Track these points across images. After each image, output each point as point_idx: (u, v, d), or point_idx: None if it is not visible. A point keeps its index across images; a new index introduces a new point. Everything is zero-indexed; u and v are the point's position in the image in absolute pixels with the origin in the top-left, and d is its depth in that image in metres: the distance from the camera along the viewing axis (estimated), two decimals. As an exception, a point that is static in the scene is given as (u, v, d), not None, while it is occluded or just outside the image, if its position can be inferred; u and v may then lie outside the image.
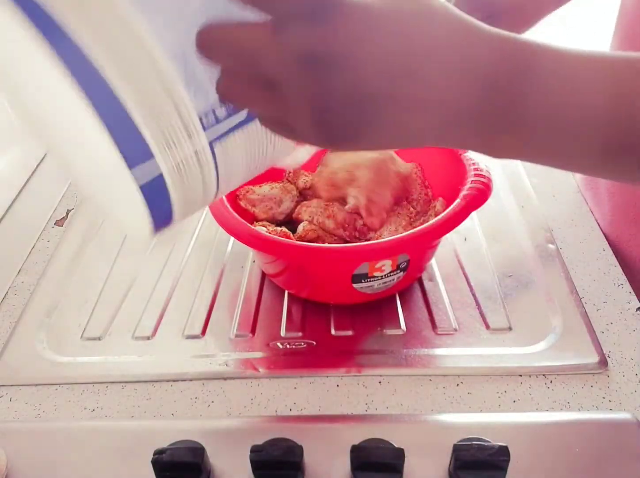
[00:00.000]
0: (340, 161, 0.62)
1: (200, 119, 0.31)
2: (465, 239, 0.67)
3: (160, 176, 0.31)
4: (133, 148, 0.29)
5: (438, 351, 0.55)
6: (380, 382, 0.53)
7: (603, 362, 0.53)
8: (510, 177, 0.77)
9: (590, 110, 0.29)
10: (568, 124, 0.30)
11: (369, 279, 0.55)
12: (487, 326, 0.57)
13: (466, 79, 0.28)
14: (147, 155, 0.30)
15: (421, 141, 0.31)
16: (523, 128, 0.30)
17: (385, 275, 0.55)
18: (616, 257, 0.64)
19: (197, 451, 0.43)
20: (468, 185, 0.56)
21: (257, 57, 0.28)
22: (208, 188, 0.34)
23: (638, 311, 0.58)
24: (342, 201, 0.62)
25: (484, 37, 0.29)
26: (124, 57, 0.28)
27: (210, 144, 0.32)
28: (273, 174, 0.69)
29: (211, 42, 0.29)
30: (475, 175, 0.57)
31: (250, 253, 0.67)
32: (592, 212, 0.71)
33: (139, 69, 0.29)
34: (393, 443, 0.43)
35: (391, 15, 0.27)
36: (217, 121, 0.32)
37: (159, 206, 0.32)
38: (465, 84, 0.28)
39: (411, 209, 0.64)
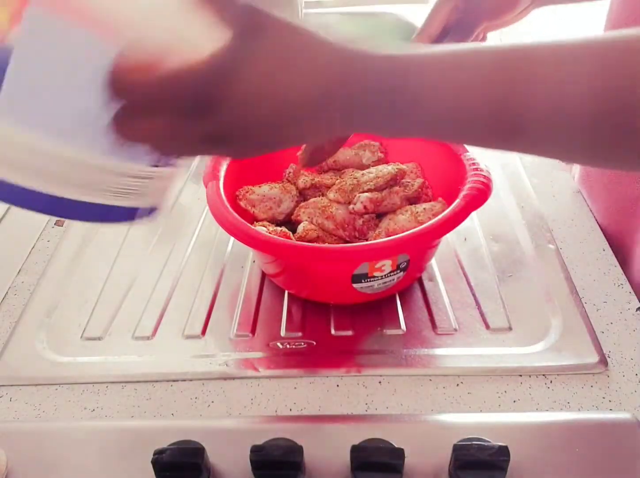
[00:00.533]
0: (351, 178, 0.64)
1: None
2: (465, 239, 0.67)
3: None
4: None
5: (438, 351, 0.55)
6: (380, 382, 0.53)
7: (603, 362, 0.53)
8: (510, 177, 0.77)
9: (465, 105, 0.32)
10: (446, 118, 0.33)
11: (369, 279, 0.55)
12: (487, 326, 0.57)
13: (323, 97, 0.32)
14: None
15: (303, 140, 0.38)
16: (402, 116, 0.33)
17: (385, 275, 0.55)
18: (613, 252, 0.64)
19: (197, 451, 0.43)
20: (468, 185, 0.56)
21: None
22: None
23: (638, 311, 0.58)
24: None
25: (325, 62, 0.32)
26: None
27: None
28: (273, 174, 0.69)
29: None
30: (475, 175, 0.57)
31: (250, 253, 0.67)
32: (589, 208, 0.71)
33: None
34: (393, 443, 0.43)
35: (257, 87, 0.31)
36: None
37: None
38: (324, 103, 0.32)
39: (406, 190, 0.63)
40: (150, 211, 0.36)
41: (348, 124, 0.34)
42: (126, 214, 0.35)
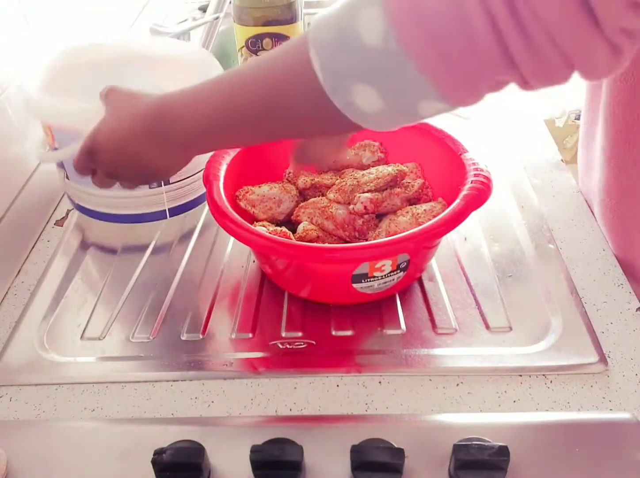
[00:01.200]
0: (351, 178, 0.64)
1: None
2: (465, 239, 0.67)
3: None
4: None
5: (438, 351, 0.55)
6: (380, 382, 0.53)
7: (603, 362, 0.53)
8: (510, 177, 0.77)
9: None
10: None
11: (369, 279, 0.55)
12: (487, 326, 0.57)
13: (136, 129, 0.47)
14: None
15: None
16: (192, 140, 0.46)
17: (385, 275, 0.55)
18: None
19: (197, 451, 0.43)
20: (468, 185, 0.56)
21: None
22: None
23: (638, 311, 0.58)
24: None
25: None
26: None
27: None
28: (273, 175, 0.69)
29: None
30: (475, 175, 0.57)
31: (250, 253, 0.67)
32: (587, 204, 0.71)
33: None
34: (393, 443, 0.43)
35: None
36: None
37: None
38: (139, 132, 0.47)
39: (406, 191, 0.64)
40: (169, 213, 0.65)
41: (176, 147, 0.47)
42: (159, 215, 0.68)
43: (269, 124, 0.42)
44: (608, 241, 0.67)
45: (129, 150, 0.47)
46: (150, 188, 0.68)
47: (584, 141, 0.71)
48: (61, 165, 0.69)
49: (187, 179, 0.70)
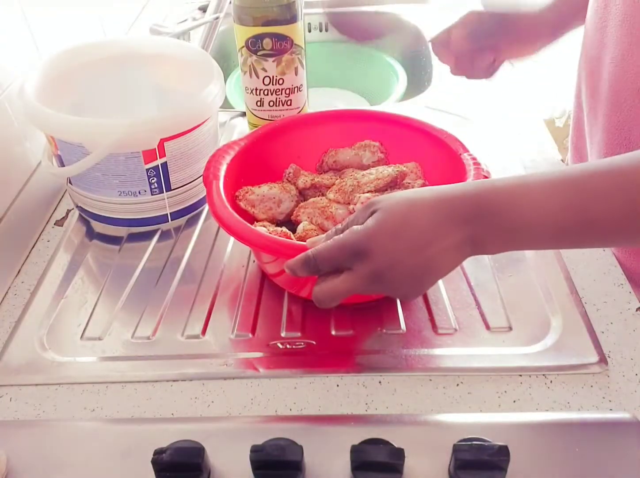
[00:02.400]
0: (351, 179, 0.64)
1: None
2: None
3: None
4: None
5: (438, 351, 0.55)
6: (380, 382, 0.53)
7: (603, 362, 0.53)
8: (510, 177, 0.77)
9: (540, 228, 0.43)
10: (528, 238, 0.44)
11: (369, 279, 0.55)
12: (487, 326, 0.57)
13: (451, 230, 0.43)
14: None
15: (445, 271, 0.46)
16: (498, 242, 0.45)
17: (385, 275, 0.55)
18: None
19: (197, 451, 0.43)
20: (468, 185, 0.56)
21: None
22: None
23: (638, 311, 0.58)
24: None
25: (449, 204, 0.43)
26: None
27: None
28: (273, 175, 0.69)
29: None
30: (475, 175, 0.57)
31: (251, 253, 0.67)
32: None
33: None
34: (393, 443, 0.43)
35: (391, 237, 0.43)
36: None
37: None
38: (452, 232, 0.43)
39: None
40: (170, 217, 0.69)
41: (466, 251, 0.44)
42: (161, 219, 0.70)
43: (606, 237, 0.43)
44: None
45: (428, 249, 0.43)
46: (152, 194, 0.68)
47: (576, 131, 0.72)
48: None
49: (189, 184, 0.70)
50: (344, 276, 0.45)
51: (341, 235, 0.45)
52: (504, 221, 0.42)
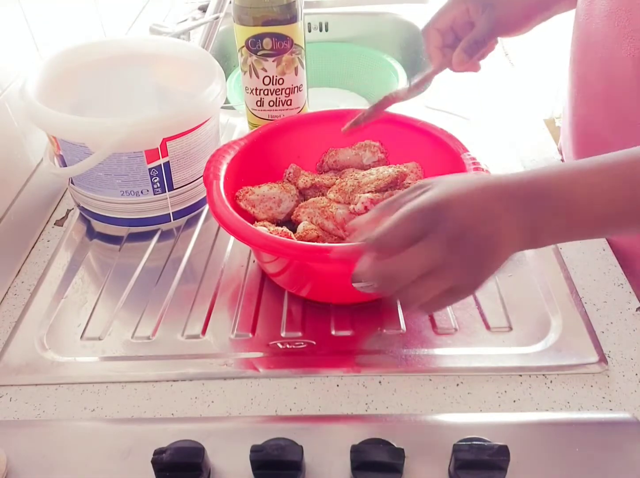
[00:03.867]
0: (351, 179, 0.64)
1: None
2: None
3: None
4: None
5: (438, 351, 0.55)
6: (380, 382, 0.53)
7: (603, 362, 0.53)
8: (510, 177, 0.77)
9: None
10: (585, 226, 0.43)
11: (369, 279, 0.55)
12: (487, 326, 0.57)
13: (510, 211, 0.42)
14: None
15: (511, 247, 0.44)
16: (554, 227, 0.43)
17: (385, 275, 0.55)
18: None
19: (197, 451, 0.43)
20: (468, 185, 0.56)
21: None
22: None
23: (638, 311, 0.58)
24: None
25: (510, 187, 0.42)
26: None
27: None
28: (273, 174, 0.69)
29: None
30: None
31: (251, 252, 0.67)
32: None
33: None
34: (393, 443, 0.43)
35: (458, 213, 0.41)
36: None
37: None
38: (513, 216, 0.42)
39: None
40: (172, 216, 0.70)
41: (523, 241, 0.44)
42: (163, 219, 0.70)
43: None
44: None
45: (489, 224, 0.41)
46: (154, 194, 0.68)
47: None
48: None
49: (191, 184, 0.71)
50: (418, 246, 0.40)
51: (405, 207, 0.42)
52: (560, 206, 0.41)
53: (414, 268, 0.41)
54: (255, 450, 0.43)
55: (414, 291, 0.42)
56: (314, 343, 0.57)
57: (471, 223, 0.40)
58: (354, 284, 0.56)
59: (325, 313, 0.59)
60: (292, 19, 0.75)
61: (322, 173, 0.71)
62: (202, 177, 0.62)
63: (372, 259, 0.43)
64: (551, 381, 0.52)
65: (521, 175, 0.43)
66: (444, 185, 0.42)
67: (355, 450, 0.43)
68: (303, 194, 0.68)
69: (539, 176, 0.43)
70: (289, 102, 0.81)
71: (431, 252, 0.40)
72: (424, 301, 0.43)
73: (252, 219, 0.63)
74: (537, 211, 0.41)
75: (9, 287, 0.65)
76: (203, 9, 1.24)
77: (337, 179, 0.67)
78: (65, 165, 0.67)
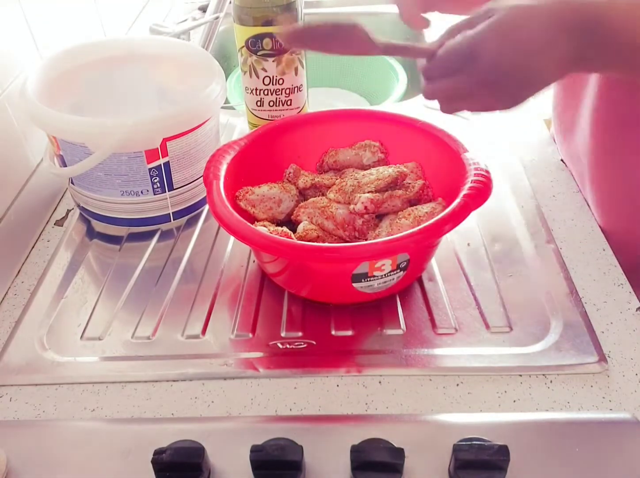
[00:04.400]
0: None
1: None
2: (468, 244, 0.67)
3: None
4: None
5: (438, 351, 0.55)
6: (380, 382, 0.53)
7: (603, 362, 0.53)
8: (510, 177, 0.77)
9: None
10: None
11: (369, 279, 0.55)
12: (487, 326, 0.57)
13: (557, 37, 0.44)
14: None
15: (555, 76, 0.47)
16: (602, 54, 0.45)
17: (385, 275, 0.55)
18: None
19: (197, 451, 0.43)
20: (468, 185, 0.56)
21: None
22: None
23: (638, 311, 0.58)
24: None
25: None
26: None
27: None
28: (273, 174, 0.69)
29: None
30: (476, 175, 0.57)
31: (251, 252, 0.67)
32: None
33: None
34: (393, 443, 0.43)
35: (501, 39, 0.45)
36: None
37: None
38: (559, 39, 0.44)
39: (407, 192, 0.63)
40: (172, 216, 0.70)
41: (568, 63, 0.45)
42: (163, 219, 0.70)
43: None
44: (594, 213, 0.69)
45: (531, 57, 0.44)
46: (154, 194, 0.68)
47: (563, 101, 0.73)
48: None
49: (191, 184, 0.71)
50: (454, 77, 0.47)
51: (452, 40, 0.47)
52: (608, 31, 0.43)
53: (449, 94, 0.49)
54: (255, 450, 0.43)
55: (454, 106, 0.50)
56: (314, 343, 0.57)
57: (507, 57, 0.45)
58: (354, 285, 0.56)
59: (325, 313, 0.59)
60: (292, 19, 0.75)
61: (322, 173, 0.71)
62: (202, 177, 0.62)
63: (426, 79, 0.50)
64: (551, 381, 0.52)
65: (574, 2, 0.44)
66: (499, 16, 0.45)
67: (355, 450, 0.43)
68: (303, 194, 0.68)
69: (587, 3, 0.44)
70: (289, 102, 0.81)
71: (461, 83, 0.47)
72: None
73: (252, 219, 0.63)
74: (587, 39, 0.43)
75: (9, 287, 0.65)
76: (203, 9, 1.24)
77: (337, 179, 0.67)
78: (65, 165, 0.67)
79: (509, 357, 0.54)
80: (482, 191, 0.55)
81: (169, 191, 0.69)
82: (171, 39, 0.87)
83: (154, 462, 0.42)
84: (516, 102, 0.48)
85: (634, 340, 0.55)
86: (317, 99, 1.18)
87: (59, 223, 0.75)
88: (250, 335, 0.58)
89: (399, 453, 0.42)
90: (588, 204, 0.71)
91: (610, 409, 0.50)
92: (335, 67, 1.25)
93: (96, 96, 0.76)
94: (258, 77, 0.79)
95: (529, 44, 0.44)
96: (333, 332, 0.58)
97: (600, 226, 0.68)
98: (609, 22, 0.43)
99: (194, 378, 0.54)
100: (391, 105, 0.97)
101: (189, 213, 0.73)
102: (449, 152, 0.62)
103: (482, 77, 0.46)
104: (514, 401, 0.51)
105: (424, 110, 0.91)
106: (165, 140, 0.64)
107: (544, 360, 0.54)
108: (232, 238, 0.69)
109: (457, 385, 0.52)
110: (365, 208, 0.60)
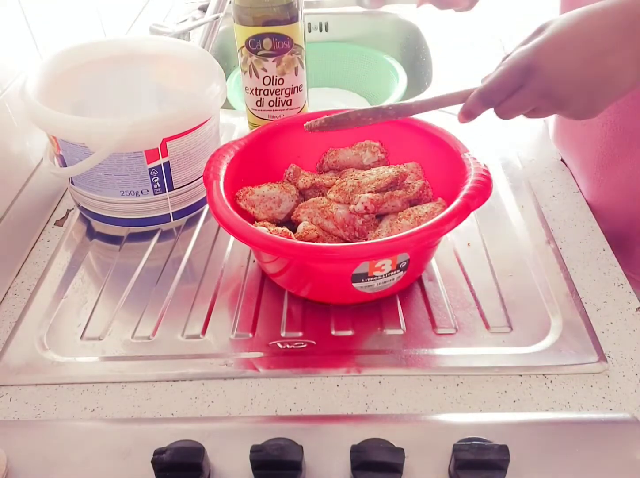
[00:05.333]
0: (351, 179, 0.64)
1: None
2: (469, 244, 0.67)
3: None
4: None
5: (438, 351, 0.55)
6: (380, 382, 0.53)
7: (603, 362, 0.53)
8: (510, 177, 0.77)
9: None
10: None
11: (369, 279, 0.55)
12: (487, 326, 0.57)
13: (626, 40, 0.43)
14: None
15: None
16: None
17: (385, 275, 0.55)
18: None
19: (197, 451, 0.43)
20: (468, 184, 0.56)
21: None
22: None
23: (638, 311, 0.58)
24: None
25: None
26: None
27: None
28: (273, 175, 0.69)
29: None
30: (476, 175, 0.57)
31: (251, 252, 0.67)
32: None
33: None
34: (393, 443, 0.43)
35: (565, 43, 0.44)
36: None
37: None
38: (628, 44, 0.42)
39: (407, 192, 0.63)
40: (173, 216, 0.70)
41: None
42: (163, 219, 0.70)
43: None
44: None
45: (598, 62, 0.43)
46: (154, 194, 0.68)
47: None
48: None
49: (191, 184, 0.71)
50: (516, 93, 0.47)
51: (508, 58, 0.47)
52: None
53: (511, 114, 0.50)
54: (255, 450, 0.43)
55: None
56: (314, 343, 0.57)
57: (570, 67, 0.43)
58: (354, 285, 0.56)
59: (325, 313, 0.59)
60: (292, 19, 0.75)
61: (322, 173, 0.71)
62: (202, 178, 0.62)
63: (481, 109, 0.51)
64: (551, 381, 0.52)
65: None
66: (554, 27, 0.44)
67: (355, 450, 0.43)
68: (303, 194, 0.68)
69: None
70: (289, 102, 0.81)
71: (524, 99, 0.47)
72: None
73: (252, 219, 0.63)
74: None
75: (9, 287, 0.65)
76: (203, 9, 1.24)
77: (337, 179, 0.67)
78: (65, 165, 0.67)
79: (509, 357, 0.54)
80: (482, 191, 0.55)
81: (169, 191, 0.69)
82: (171, 39, 0.87)
83: (154, 462, 0.42)
84: (588, 110, 0.47)
85: (634, 340, 0.55)
86: (317, 99, 1.18)
87: (59, 223, 0.75)
88: (250, 335, 0.58)
89: (399, 453, 0.42)
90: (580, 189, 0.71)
91: (610, 409, 0.50)
92: (335, 67, 1.25)
93: (96, 96, 0.76)
94: (258, 77, 0.79)
95: (593, 49, 0.43)
96: (333, 332, 0.58)
97: (587, 201, 0.68)
98: None
99: (194, 378, 0.54)
100: (391, 105, 0.97)
101: (189, 213, 0.73)
102: (449, 152, 0.62)
103: (545, 90, 0.45)
104: (514, 401, 0.51)
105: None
106: (165, 140, 0.64)
107: (544, 360, 0.54)
108: (232, 238, 0.69)
109: (457, 385, 0.52)
110: (365, 208, 0.60)
